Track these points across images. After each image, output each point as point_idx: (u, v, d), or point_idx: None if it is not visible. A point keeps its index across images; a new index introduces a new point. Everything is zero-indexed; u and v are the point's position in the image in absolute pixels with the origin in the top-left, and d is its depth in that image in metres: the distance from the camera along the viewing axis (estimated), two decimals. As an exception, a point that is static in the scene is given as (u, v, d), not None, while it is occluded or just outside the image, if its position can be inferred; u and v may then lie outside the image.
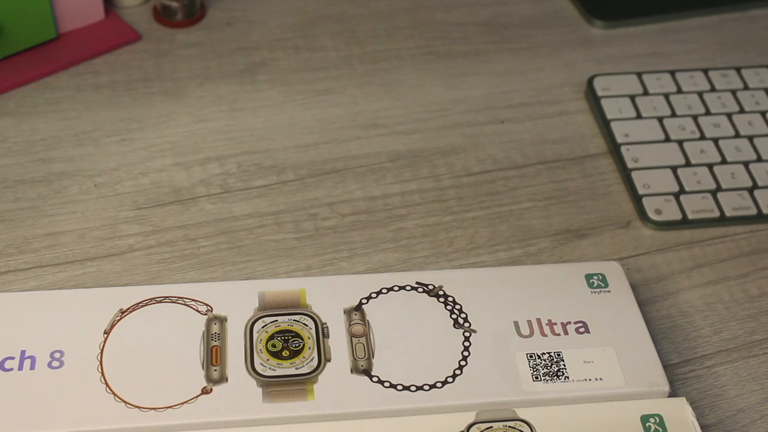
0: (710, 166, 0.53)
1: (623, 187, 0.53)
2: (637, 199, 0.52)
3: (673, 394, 0.42)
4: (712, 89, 0.58)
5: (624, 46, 0.62)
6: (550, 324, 0.43)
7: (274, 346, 0.41)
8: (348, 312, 0.43)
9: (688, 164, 0.53)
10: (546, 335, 0.42)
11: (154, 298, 0.43)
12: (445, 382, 0.40)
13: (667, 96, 0.57)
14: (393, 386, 0.40)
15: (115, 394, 0.39)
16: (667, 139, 0.55)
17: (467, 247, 0.49)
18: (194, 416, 0.39)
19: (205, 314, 0.42)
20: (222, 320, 0.42)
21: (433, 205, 0.51)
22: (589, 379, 0.41)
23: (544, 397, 0.40)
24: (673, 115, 0.56)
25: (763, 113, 0.57)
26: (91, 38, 0.59)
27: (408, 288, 0.44)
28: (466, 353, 0.42)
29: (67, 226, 0.49)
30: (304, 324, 0.42)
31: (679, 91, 0.58)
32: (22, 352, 0.40)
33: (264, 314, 0.42)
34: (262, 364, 0.41)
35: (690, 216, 0.51)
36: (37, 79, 0.57)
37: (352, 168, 0.53)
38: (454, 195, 0.52)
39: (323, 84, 0.58)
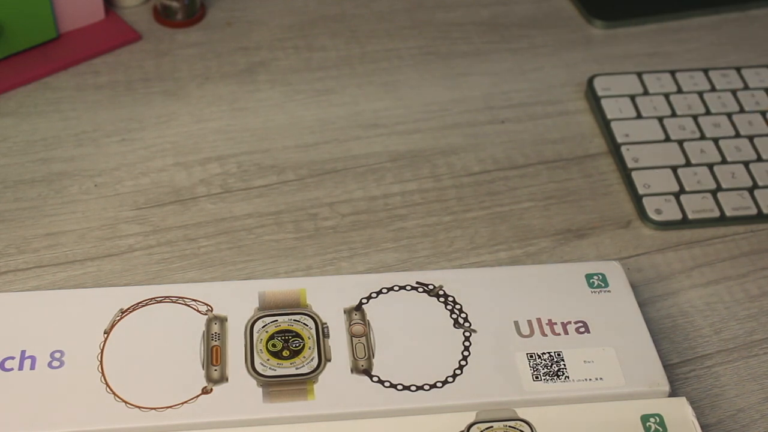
0: (710, 166, 0.53)
1: (623, 187, 0.53)
2: (637, 199, 0.52)
3: (673, 393, 0.42)
4: (713, 89, 0.58)
5: (624, 46, 0.62)
6: (551, 324, 0.43)
7: (274, 345, 0.41)
8: (348, 312, 0.43)
9: (688, 164, 0.53)
10: (546, 335, 0.42)
11: (154, 298, 0.43)
12: (445, 382, 0.40)
13: (667, 96, 0.57)
14: (393, 386, 0.40)
15: (115, 394, 0.39)
16: (668, 139, 0.55)
17: (467, 247, 0.49)
18: (194, 416, 0.39)
19: (206, 314, 0.42)
20: (222, 320, 0.42)
21: (433, 205, 0.51)
22: (590, 379, 0.41)
23: (545, 397, 0.40)
24: (674, 115, 0.56)
25: (763, 113, 0.57)
26: (91, 38, 0.59)
27: (408, 288, 0.44)
28: (466, 353, 0.42)
29: (67, 226, 0.49)
30: (305, 324, 0.42)
31: (680, 91, 0.58)
32: (23, 352, 0.40)
33: (264, 314, 0.42)
34: (262, 364, 0.41)
35: (690, 216, 0.51)
36: (37, 79, 0.57)
37: (352, 168, 0.53)
38: (454, 195, 0.52)
39: (323, 84, 0.58)
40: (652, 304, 0.48)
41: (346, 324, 0.42)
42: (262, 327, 0.42)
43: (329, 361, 0.41)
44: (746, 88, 0.58)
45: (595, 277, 0.45)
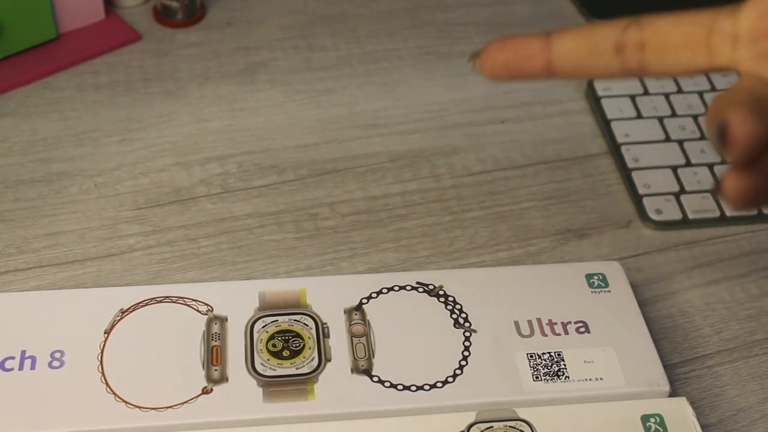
0: (711, 166, 0.53)
1: (623, 187, 0.53)
2: (637, 199, 0.52)
3: (673, 393, 0.42)
4: (713, 89, 0.58)
5: (624, 46, 0.62)
6: (551, 324, 0.43)
7: (274, 345, 0.41)
8: (348, 312, 0.43)
9: (688, 164, 0.53)
10: (546, 335, 0.42)
11: (154, 298, 0.43)
12: (445, 382, 0.40)
13: (667, 96, 0.57)
14: (393, 386, 0.40)
15: (115, 394, 0.39)
16: (668, 139, 0.55)
17: (467, 247, 0.49)
18: (194, 416, 0.39)
19: (206, 314, 0.42)
20: (222, 320, 0.42)
21: (433, 205, 0.51)
22: (590, 379, 0.41)
23: (545, 397, 0.40)
24: (674, 114, 0.56)
25: (763, 113, 0.57)
26: (91, 38, 0.59)
27: (408, 288, 0.44)
28: (466, 353, 0.42)
29: (67, 226, 0.49)
30: (305, 324, 0.42)
31: (680, 90, 0.57)
32: (23, 352, 0.40)
33: (264, 314, 0.42)
34: (262, 364, 0.41)
35: (690, 216, 0.51)
36: (37, 79, 0.57)
37: (352, 168, 0.53)
38: (455, 195, 0.52)
39: (323, 84, 0.58)
40: (652, 304, 0.48)
41: (346, 324, 0.42)
42: (263, 327, 0.42)
43: (329, 361, 0.41)
44: (746, 88, 0.58)
45: (595, 277, 0.45)
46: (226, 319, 0.42)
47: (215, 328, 0.42)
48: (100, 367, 0.40)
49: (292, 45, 0.61)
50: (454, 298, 0.44)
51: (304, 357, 0.41)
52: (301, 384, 0.40)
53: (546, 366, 0.41)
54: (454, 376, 0.41)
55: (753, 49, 0.31)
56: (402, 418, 0.39)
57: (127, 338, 0.41)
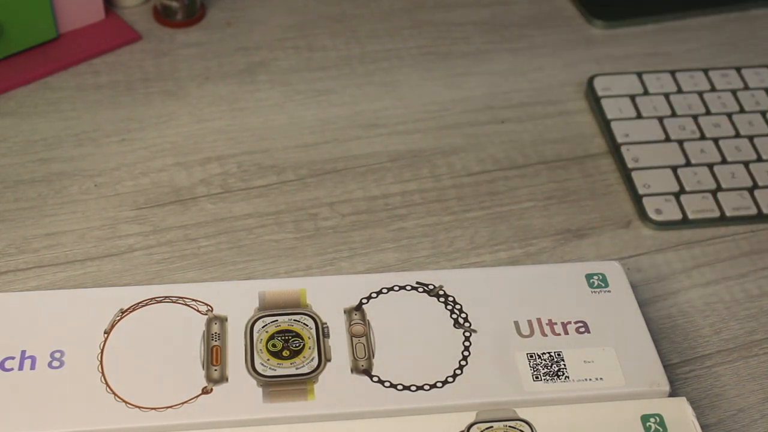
0: (710, 166, 0.53)
1: (623, 187, 0.53)
2: (637, 199, 0.52)
3: (673, 393, 0.42)
4: (713, 89, 0.58)
5: (624, 46, 0.62)
6: (551, 324, 0.43)
7: (274, 345, 0.41)
8: (348, 312, 0.43)
9: (688, 164, 0.53)
10: (546, 335, 0.42)
11: (154, 298, 0.43)
12: (445, 382, 0.40)
13: (667, 96, 0.57)
14: (393, 386, 0.40)
15: (115, 394, 0.39)
16: (668, 139, 0.55)
17: (467, 247, 0.49)
18: (194, 416, 0.39)
19: (206, 314, 0.42)
20: (222, 320, 0.42)
21: (433, 205, 0.51)
22: (590, 379, 0.41)
23: (545, 397, 0.40)
24: (674, 114, 0.56)
25: (763, 113, 0.57)
26: (91, 38, 0.59)
27: (408, 288, 0.44)
28: (466, 353, 0.42)
29: (67, 226, 0.49)
30: (305, 324, 0.42)
31: (680, 90, 0.57)
32: (23, 352, 0.40)
33: (264, 314, 0.42)
34: (262, 364, 0.41)
35: (690, 216, 0.51)
36: (37, 79, 0.57)
37: (352, 168, 0.53)
38: (454, 195, 0.52)
39: (323, 84, 0.58)
40: (652, 304, 0.48)
41: (346, 324, 0.42)
42: (262, 327, 0.42)
43: (329, 361, 0.41)
44: (746, 88, 0.58)
45: (595, 277, 0.45)
46: (226, 319, 0.42)
47: (215, 328, 0.42)
48: (99, 367, 0.40)
49: (292, 45, 0.61)
50: (454, 298, 0.43)
51: (304, 357, 0.41)
52: (301, 384, 0.40)
53: (546, 366, 0.41)
54: (454, 376, 0.41)
55: None
56: (402, 418, 0.39)
57: (127, 338, 0.41)
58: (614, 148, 0.54)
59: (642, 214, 0.51)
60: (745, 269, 0.50)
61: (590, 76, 0.58)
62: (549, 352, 0.42)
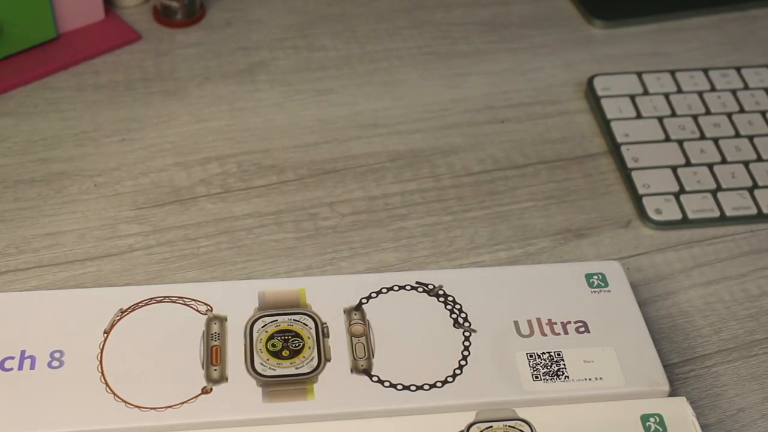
0: (710, 166, 0.53)
1: (623, 187, 0.53)
2: (637, 198, 0.52)
3: (673, 393, 0.42)
4: (712, 89, 0.58)
5: (624, 46, 0.62)
6: (550, 323, 0.43)
7: (273, 345, 0.41)
8: (348, 312, 0.43)
9: (688, 164, 0.53)
10: (546, 335, 0.42)
11: (154, 298, 0.43)
12: (445, 382, 0.40)
13: (667, 96, 0.57)
14: (393, 386, 0.40)
15: (115, 394, 0.39)
16: (667, 139, 0.55)
17: (467, 246, 0.49)
18: (194, 416, 0.39)
19: (205, 314, 0.42)
20: (222, 320, 0.42)
21: (433, 204, 0.51)
22: (589, 379, 0.41)
23: (544, 397, 0.40)
24: (673, 114, 0.56)
25: (763, 113, 0.57)
26: (91, 38, 0.59)
27: (408, 288, 0.44)
28: (466, 353, 0.41)
29: (67, 225, 0.49)
30: (304, 324, 0.42)
31: (679, 90, 0.57)
32: (22, 352, 0.40)
33: (264, 314, 0.42)
34: (261, 364, 0.40)
35: (690, 216, 0.51)
36: (37, 79, 0.57)
37: (352, 168, 0.53)
38: (454, 195, 0.52)
39: (323, 84, 0.58)
40: (652, 304, 0.48)
41: (345, 324, 0.42)
42: (262, 327, 0.42)
43: (329, 360, 0.41)
44: (746, 88, 0.58)
45: (595, 277, 0.45)
46: (226, 319, 0.42)
47: (215, 328, 0.42)
48: (99, 367, 0.40)
49: (292, 45, 0.61)
50: (453, 297, 0.43)
51: (304, 357, 0.41)
52: (300, 384, 0.40)
53: (546, 366, 0.41)
54: (454, 375, 0.41)
55: None
56: (401, 417, 0.39)
57: (127, 338, 0.41)
58: (614, 148, 0.54)
59: (642, 213, 0.51)
60: (745, 269, 0.50)
61: (590, 75, 0.58)
62: (549, 352, 0.42)
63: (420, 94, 0.58)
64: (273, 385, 0.40)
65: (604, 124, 0.56)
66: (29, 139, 0.53)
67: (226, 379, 0.40)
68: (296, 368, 0.40)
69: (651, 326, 0.46)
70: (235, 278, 0.47)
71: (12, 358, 0.40)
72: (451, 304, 0.43)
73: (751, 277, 0.49)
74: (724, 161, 0.54)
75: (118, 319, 0.42)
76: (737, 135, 0.55)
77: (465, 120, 0.56)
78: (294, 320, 0.42)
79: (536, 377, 0.41)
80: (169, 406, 0.39)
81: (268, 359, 0.41)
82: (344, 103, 0.57)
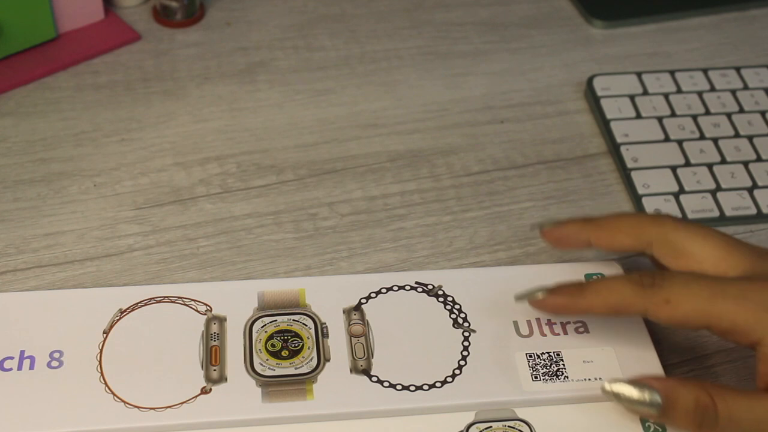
0: (710, 166, 0.53)
1: (623, 187, 0.53)
2: (636, 199, 0.52)
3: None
4: (712, 89, 0.57)
5: (624, 46, 0.62)
6: (550, 324, 0.43)
7: (273, 345, 0.41)
8: (347, 312, 0.43)
9: (687, 164, 0.53)
10: (545, 335, 0.42)
11: (153, 298, 0.43)
12: (444, 382, 0.40)
13: (666, 96, 0.57)
14: (392, 386, 0.40)
15: (114, 394, 0.39)
16: (667, 139, 0.54)
17: (467, 246, 0.49)
18: (193, 416, 0.39)
19: (205, 314, 0.42)
20: (221, 320, 0.42)
21: (432, 204, 0.51)
22: (589, 379, 0.41)
23: (544, 397, 0.40)
24: (673, 114, 0.56)
25: (762, 113, 0.56)
26: (90, 38, 0.59)
27: (407, 288, 0.44)
28: (465, 353, 0.41)
29: (66, 226, 0.49)
30: (304, 324, 0.42)
31: (679, 90, 0.57)
32: (22, 352, 0.40)
33: (263, 314, 0.42)
34: (261, 364, 0.40)
35: (690, 216, 0.51)
36: (36, 79, 0.56)
37: (351, 168, 0.53)
38: (454, 195, 0.52)
39: (323, 84, 0.58)
40: (652, 304, 0.48)
41: (345, 324, 0.42)
42: (261, 327, 0.42)
43: (328, 361, 0.41)
44: (746, 88, 0.58)
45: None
46: (225, 319, 0.42)
47: (214, 328, 0.42)
48: (99, 367, 0.40)
49: (292, 45, 0.61)
50: (453, 298, 0.43)
51: (303, 357, 0.41)
52: (299, 384, 0.40)
53: (545, 366, 0.41)
54: (453, 376, 0.41)
55: None
56: (401, 418, 0.39)
57: (126, 338, 0.41)
58: (614, 148, 0.54)
59: (641, 214, 0.51)
60: (744, 269, 0.49)
61: (590, 76, 0.58)
62: (548, 352, 0.41)
63: (419, 94, 0.58)
64: (272, 386, 0.40)
65: (604, 124, 0.56)
66: (29, 139, 0.53)
67: (226, 380, 0.40)
68: (296, 368, 0.40)
69: (651, 326, 0.46)
70: (235, 278, 0.47)
71: (11, 358, 0.40)
72: (451, 304, 0.43)
73: (750, 277, 0.49)
74: (723, 161, 0.53)
75: (118, 319, 0.42)
76: (737, 135, 0.55)
77: (464, 120, 0.56)
78: (293, 320, 0.42)
79: (536, 377, 0.41)
80: (169, 407, 0.39)
81: (267, 359, 0.41)
82: (344, 103, 0.57)
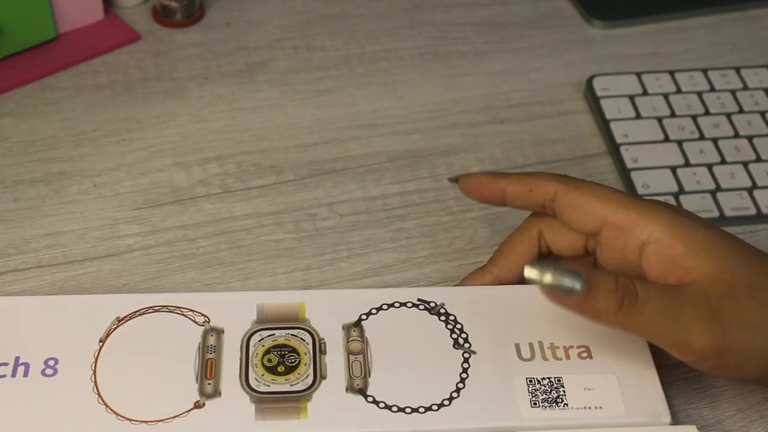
0: (709, 166, 0.51)
1: (623, 188, 0.51)
2: (636, 199, 0.50)
3: (671, 393, 0.40)
4: (712, 89, 0.56)
5: (623, 46, 0.60)
6: (552, 347, 0.40)
7: (269, 360, 0.39)
8: (347, 328, 0.40)
9: (687, 164, 0.51)
10: (547, 359, 0.40)
11: (151, 307, 0.41)
12: (441, 405, 0.38)
13: (666, 96, 0.55)
14: (388, 407, 0.38)
15: (107, 405, 0.37)
16: (667, 139, 0.53)
17: (466, 247, 0.47)
18: (185, 431, 0.36)
19: (203, 325, 0.40)
20: (219, 332, 0.40)
21: (432, 205, 0.49)
22: (589, 408, 0.38)
23: (542, 425, 0.37)
24: (673, 115, 0.54)
25: (762, 113, 0.54)
26: (90, 38, 0.58)
27: (409, 305, 0.41)
28: (464, 375, 0.39)
29: (66, 226, 0.47)
30: (302, 339, 0.40)
31: (679, 91, 0.55)
32: (17, 359, 0.38)
33: (261, 327, 0.40)
34: (256, 379, 0.38)
35: (689, 217, 0.49)
36: (36, 79, 0.55)
37: (351, 168, 0.51)
38: (454, 195, 0.50)
39: (323, 84, 0.56)
40: (652, 308, 0.45)
41: (344, 340, 0.40)
42: (259, 341, 0.40)
43: (324, 378, 0.38)
44: (745, 88, 0.56)
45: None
46: (223, 331, 0.40)
47: (211, 340, 0.40)
48: (93, 376, 0.38)
49: (291, 45, 0.59)
50: (455, 317, 0.41)
51: (299, 373, 0.39)
52: (294, 401, 0.38)
53: (545, 392, 0.39)
54: (451, 399, 0.38)
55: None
56: None
57: (122, 348, 0.39)
58: (613, 149, 0.52)
59: (641, 215, 0.49)
60: (744, 271, 0.47)
61: (589, 76, 0.56)
62: (549, 378, 0.39)
63: (419, 95, 0.56)
64: (266, 402, 0.37)
65: (604, 125, 0.54)
66: (28, 139, 0.52)
67: (220, 394, 0.38)
68: (291, 385, 0.38)
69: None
70: (235, 278, 0.45)
71: (6, 364, 0.38)
72: (452, 323, 0.41)
73: (751, 280, 0.47)
74: (723, 162, 0.52)
75: (115, 328, 0.40)
76: (736, 135, 0.53)
77: (464, 120, 0.55)
78: (292, 335, 0.40)
79: (534, 404, 0.38)
80: (161, 420, 0.37)
81: (263, 374, 0.38)
82: (343, 103, 0.55)
